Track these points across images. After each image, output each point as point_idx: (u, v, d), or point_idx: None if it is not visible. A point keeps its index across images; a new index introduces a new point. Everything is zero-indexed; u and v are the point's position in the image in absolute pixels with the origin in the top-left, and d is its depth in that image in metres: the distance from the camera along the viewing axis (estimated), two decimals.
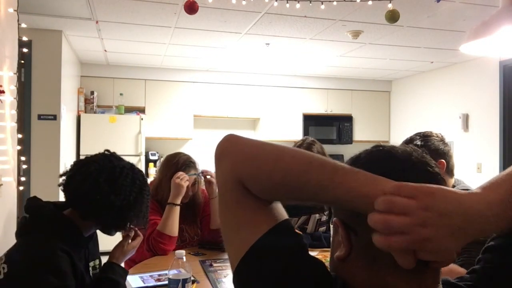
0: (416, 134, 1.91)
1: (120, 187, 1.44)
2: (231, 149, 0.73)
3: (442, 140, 1.87)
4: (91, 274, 1.54)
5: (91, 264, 1.57)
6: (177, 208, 2.22)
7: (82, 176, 1.43)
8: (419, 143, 1.83)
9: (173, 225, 2.19)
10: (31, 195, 4.00)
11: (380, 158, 0.70)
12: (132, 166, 1.54)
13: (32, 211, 1.45)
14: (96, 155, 1.52)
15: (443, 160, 1.80)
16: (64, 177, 1.50)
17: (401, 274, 0.65)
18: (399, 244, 0.57)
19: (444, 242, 0.58)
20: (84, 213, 1.44)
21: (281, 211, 0.73)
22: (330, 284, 0.68)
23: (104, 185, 1.41)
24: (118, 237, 1.66)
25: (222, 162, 0.73)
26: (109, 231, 1.54)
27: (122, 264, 1.66)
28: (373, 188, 0.60)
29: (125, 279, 1.60)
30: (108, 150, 1.56)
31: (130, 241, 1.64)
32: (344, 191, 0.62)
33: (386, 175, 0.64)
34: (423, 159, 0.69)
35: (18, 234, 1.43)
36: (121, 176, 1.46)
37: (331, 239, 2.42)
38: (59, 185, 1.49)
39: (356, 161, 0.72)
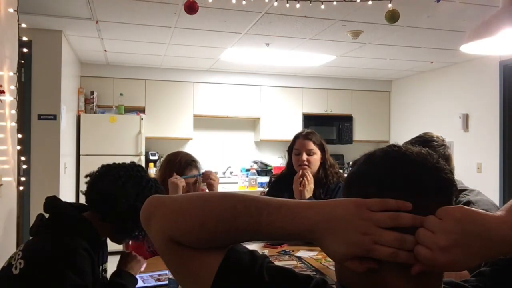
0: (417, 139, 1.89)
1: (146, 196, 1.47)
2: (156, 212, 0.73)
3: (443, 144, 1.86)
4: (101, 277, 1.56)
5: (102, 267, 1.58)
6: None
7: (111, 178, 1.47)
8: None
9: None
10: (31, 195, 3.99)
11: (395, 159, 0.70)
12: (156, 180, 1.60)
13: (53, 210, 1.47)
14: (124, 163, 1.58)
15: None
16: (89, 178, 1.54)
17: (402, 274, 0.66)
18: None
19: (466, 262, 0.61)
20: (107, 215, 1.46)
21: None
22: (303, 285, 0.69)
23: (131, 190, 1.47)
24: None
25: (151, 226, 0.74)
26: (122, 238, 1.56)
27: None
28: (296, 224, 0.65)
29: (134, 285, 1.61)
30: (134, 162, 1.61)
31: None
32: (274, 230, 0.66)
33: (400, 176, 0.67)
34: (437, 165, 0.69)
35: (34, 231, 1.44)
36: (147, 186, 1.52)
37: None
38: (86, 183, 1.53)
39: (371, 158, 0.72)
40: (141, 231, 1.53)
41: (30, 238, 1.46)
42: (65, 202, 1.52)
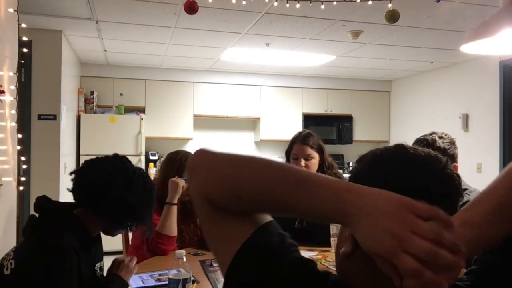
0: (428, 136, 1.97)
1: (134, 187, 1.50)
2: (199, 167, 0.73)
3: (453, 142, 1.96)
4: (98, 275, 1.55)
5: (98, 265, 1.58)
6: (175, 208, 2.21)
7: (96, 173, 1.47)
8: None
9: (172, 225, 2.19)
10: (31, 195, 4.01)
11: (402, 162, 0.68)
12: (141, 170, 1.59)
13: (42, 209, 1.46)
14: (107, 156, 1.56)
15: (456, 164, 1.86)
16: (74, 175, 1.53)
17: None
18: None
19: None
20: (97, 210, 1.46)
21: (261, 216, 0.73)
22: (320, 282, 0.68)
23: (118, 183, 1.46)
24: (118, 236, 1.66)
25: (193, 179, 0.74)
26: (114, 231, 1.56)
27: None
28: (333, 207, 0.61)
29: None
30: (117, 154, 1.60)
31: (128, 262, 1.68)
32: (311, 209, 0.63)
33: (406, 180, 0.66)
34: (445, 170, 0.68)
35: (26, 232, 1.44)
36: (134, 177, 1.51)
37: (331, 234, 2.41)
38: (72, 180, 1.52)
39: (378, 158, 0.71)
40: (133, 221, 1.53)
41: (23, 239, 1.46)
42: (55, 201, 1.52)
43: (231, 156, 0.72)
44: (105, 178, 1.46)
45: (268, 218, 0.73)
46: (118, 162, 1.53)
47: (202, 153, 0.75)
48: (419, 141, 1.97)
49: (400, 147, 0.72)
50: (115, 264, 1.66)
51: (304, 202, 0.63)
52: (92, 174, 1.48)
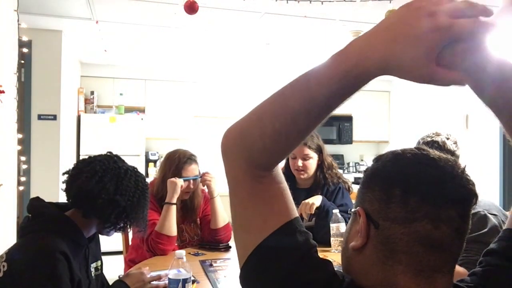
0: (433, 137, 1.97)
1: (125, 188, 1.47)
2: (232, 139, 0.72)
3: (456, 143, 1.97)
4: (93, 275, 1.55)
5: (93, 265, 1.57)
6: (174, 207, 2.21)
7: (87, 175, 1.44)
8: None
9: (171, 225, 2.19)
10: (31, 195, 4.03)
11: (425, 164, 0.69)
12: (135, 169, 1.56)
13: (34, 211, 1.45)
14: (100, 155, 1.54)
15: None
16: (66, 175, 1.51)
17: (414, 274, 0.66)
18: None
19: None
20: (88, 211, 1.45)
21: (291, 208, 0.72)
22: (338, 284, 0.68)
23: (109, 184, 1.44)
24: (118, 236, 1.65)
25: (228, 156, 0.73)
26: (108, 232, 1.54)
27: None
28: (348, 61, 0.64)
29: None
30: (110, 152, 1.58)
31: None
32: (326, 85, 0.64)
33: (427, 182, 0.66)
34: (463, 175, 0.69)
35: (19, 233, 1.44)
36: (125, 177, 1.49)
37: (331, 227, 2.40)
38: (63, 182, 1.50)
39: (399, 158, 0.71)
40: (126, 222, 1.52)
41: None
42: (47, 202, 1.50)
43: (254, 109, 0.71)
44: (95, 182, 1.42)
45: (295, 213, 0.72)
46: (110, 162, 1.50)
47: (229, 130, 0.74)
48: (428, 143, 1.95)
49: (421, 149, 0.72)
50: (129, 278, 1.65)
51: (315, 83, 0.64)
52: (82, 177, 1.45)
